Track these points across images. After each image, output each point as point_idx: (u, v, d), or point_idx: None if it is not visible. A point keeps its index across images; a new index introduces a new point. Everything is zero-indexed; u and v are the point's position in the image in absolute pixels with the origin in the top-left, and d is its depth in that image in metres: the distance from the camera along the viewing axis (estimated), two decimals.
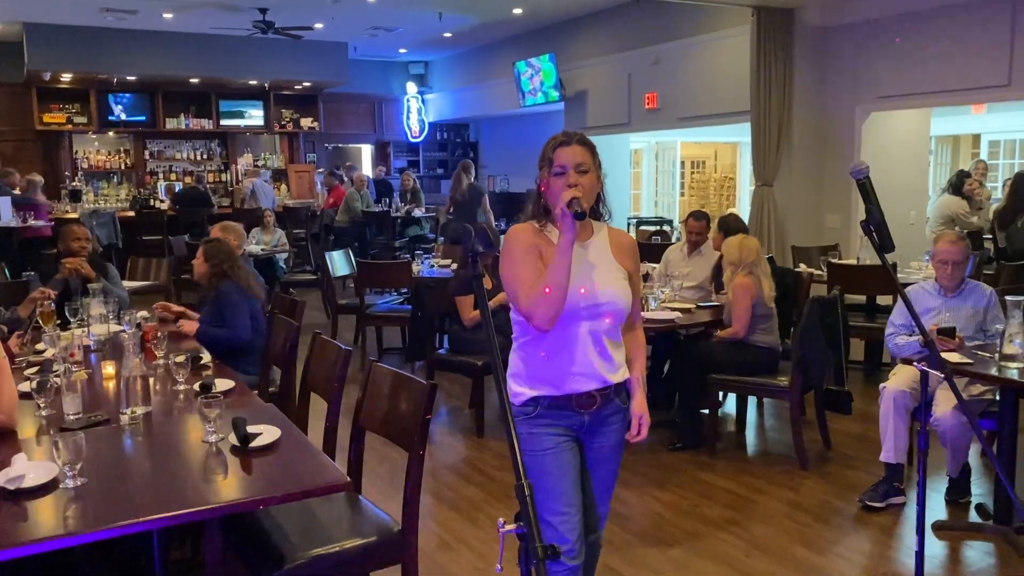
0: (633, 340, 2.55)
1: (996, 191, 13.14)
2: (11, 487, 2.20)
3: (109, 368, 3.47)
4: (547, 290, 2.21)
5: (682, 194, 15.29)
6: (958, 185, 8.30)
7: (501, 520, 1.30)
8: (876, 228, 2.15)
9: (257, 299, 4.45)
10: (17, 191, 10.69)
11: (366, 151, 16.54)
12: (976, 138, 13.81)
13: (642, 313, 4.68)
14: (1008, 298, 3.58)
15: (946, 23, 7.08)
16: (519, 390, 2.41)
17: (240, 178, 13.98)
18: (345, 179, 12.76)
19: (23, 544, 1.96)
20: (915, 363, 2.59)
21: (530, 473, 2.30)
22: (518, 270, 2.32)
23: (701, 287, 5.45)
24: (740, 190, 14.76)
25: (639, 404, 2.48)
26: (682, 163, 15.21)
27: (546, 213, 2.39)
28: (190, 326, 4.29)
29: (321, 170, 15.21)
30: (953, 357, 3.61)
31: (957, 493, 4.01)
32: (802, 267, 6.61)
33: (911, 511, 3.92)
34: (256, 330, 4.35)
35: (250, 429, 2.55)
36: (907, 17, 7.34)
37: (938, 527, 3.72)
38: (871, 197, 2.18)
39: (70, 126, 13.09)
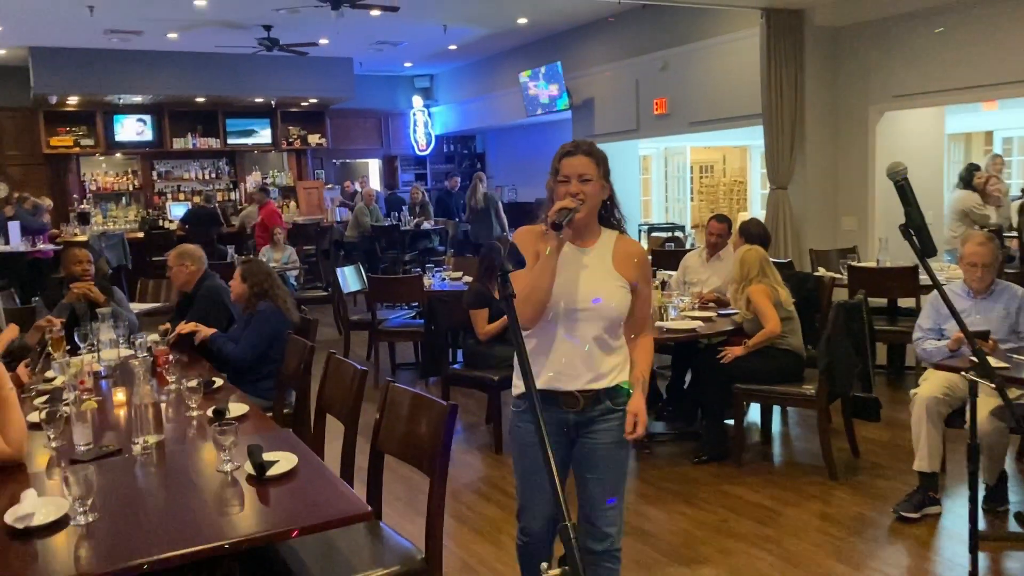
0: (639, 346, 2.62)
1: (1012, 187, 12.97)
2: (20, 526, 2.12)
3: (120, 395, 3.40)
4: (527, 297, 2.33)
5: (692, 199, 15.18)
6: (968, 179, 8.09)
7: (544, 566, 1.20)
8: (917, 232, 2.05)
9: (292, 322, 4.37)
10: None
11: (374, 166, 16.51)
12: (988, 135, 13.66)
13: (663, 323, 4.64)
14: None
15: (959, 19, 6.97)
16: (517, 382, 2.57)
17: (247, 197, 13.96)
18: (271, 193, 12.33)
19: None
20: (962, 373, 2.48)
21: (514, 462, 2.64)
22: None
23: (720, 291, 5.34)
24: (751, 194, 14.64)
25: (635, 402, 2.52)
26: (691, 168, 15.11)
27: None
28: (204, 329, 4.29)
29: (330, 186, 15.18)
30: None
31: (995, 501, 3.88)
32: (821, 271, 6.49)
33: (948, 521, 3.79)
34: (279, 354, 4.26)
35: (266, 456, 2.46)
36: (918, 14, 7.24)
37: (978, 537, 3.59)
38: (910, 199, 2.08)
39: (77, 149, 13.10)
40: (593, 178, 2.43)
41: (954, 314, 2.15)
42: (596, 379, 2.49)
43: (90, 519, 2.16)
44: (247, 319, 4.31)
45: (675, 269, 5.98)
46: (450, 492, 4.47)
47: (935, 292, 4.18)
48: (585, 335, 2.46)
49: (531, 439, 2.50)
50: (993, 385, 2.10)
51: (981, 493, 3.90)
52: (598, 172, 2.44)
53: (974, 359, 3.49)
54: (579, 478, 2.60)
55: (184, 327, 4.38)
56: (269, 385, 4.16)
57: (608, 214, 2.55)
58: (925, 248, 2.05)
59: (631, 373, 2.56)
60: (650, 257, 8.59)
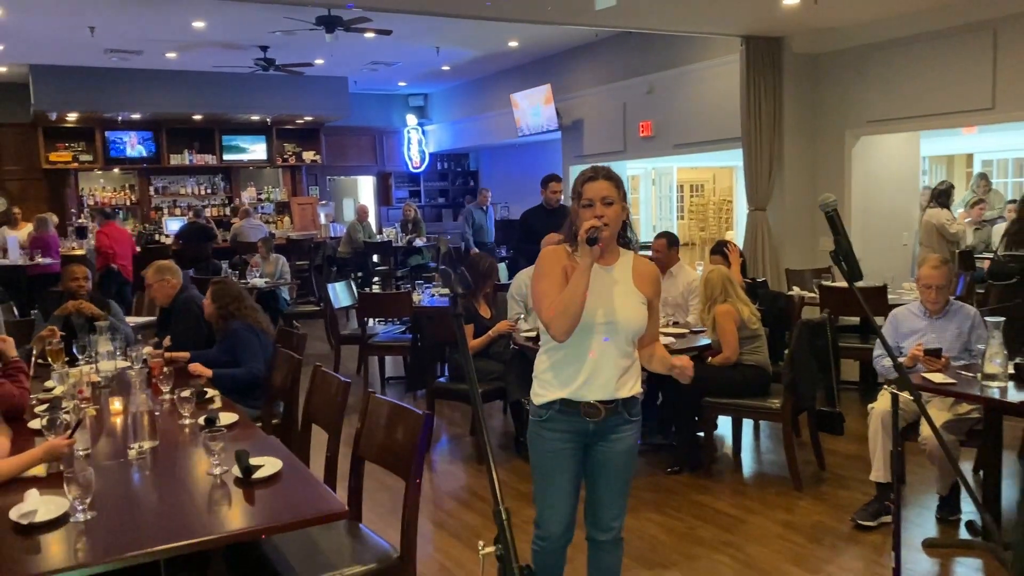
0: (657, 347, 2.83)
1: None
2: (24, 522, 2.30)
3: (117, 404, 3.58)
4: (564, 310, 2.51)
5: (681, 217, 15.43)
6: (940, 197, 8.19)
7: (480, 543, 1.41)
8: (844, 258, 2.26)
9: (268, 335, 4.56)
10: (28, 228, 10.92)
11: (368, 182, 16.75)
12: (969, 157, 13.95)
13: None
14: (988, 319, 3.68)
15: (930, 49, 7.24)
16: (540, 391, 2.72)
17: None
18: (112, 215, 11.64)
19: None
20: (885, 386, 2.69)
21: (534, 469, 2.76)
22: (544, 286, 2.65)
23: (676, 305, 5.57)
24: (737, 213, 14.90)
25: (678, 358, 2.74)
26: (680, 187, 15.38)
27: (576, 238, 2.60)
28: (202, 369, 4.28)
29: (324, 202, 15.40)
30: (938, 377, 3.71)
31: (947, 511, 4.08)
32: (795, 290, 6.71)
33: (903, 529, 3.98)
34: (267, 365, 4.45)
35: (253, 461, 2.65)
36: (892, 44, 7.51)
37: (929, 544, 3.80)
38: (839, 229, 2.29)
39: (76, 164, 13.32)
40: (615, 200, 2.60)
41: (881, 339, 2.35)
42: (617, 390, 2.66)
43: (88, 516, 2.34)
44: (223, 339, 4.46)
45: None
46: (432, 499, 4.68)
47: (896, 310, 4.42)
48: (614, 348, 2.63)
49: (554, 447, 2.68)
50: (911, 397, 2.30)
51: (935, 502, 4.13)
52: (618, 195, 2.62)
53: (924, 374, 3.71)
54: (591, 480, 2.78)
55: (191, 365, 4.44)
56: (259, 397, 4.34)
57: (623, 235, 2.72)
58: (852, 273, 2.26)
59: (656, 356, 2.79)
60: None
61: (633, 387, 2.71)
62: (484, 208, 11.66)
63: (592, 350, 2.63)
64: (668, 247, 5.71)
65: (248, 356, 4.36)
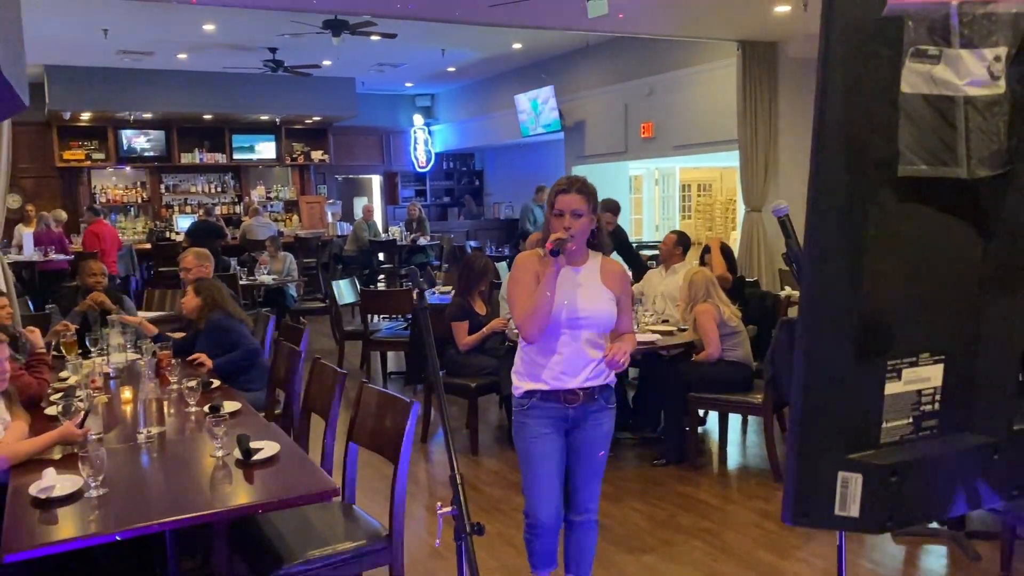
0: (623, 337, 2.99)
1: None
2: (42, 496, 2.52)
3: (127, 393, 3.80)
4: (532, 315, 2.76)
5: (686, 217, 15.56)
6: None
7: (439, 504, 1.61)
8: (795, 261, 2.44)
9: (243, 322, 4.77)
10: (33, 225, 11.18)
11: (375, 182, 16.97)
12: None
13: None
14: None
15: None
16: (519, 384, 2.95)
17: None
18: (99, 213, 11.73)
19: (52, 544, 2.27)
20: None
21: (521, 458, 2.98)
22: (517, 291, 2.89)
23: (671, 298, 5.80)
24: (741, 213, 15.03)
25: (618, 342, 2.89)
26: (686, 186, 15.50)
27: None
28: (205, 358, 4.49)
29: (332, 201, 15.63)
30: None
31: None
32: (787, 290, 6.88)
33: None
34: (252, 352, 4.65)
35: (252, 445, 2.86)
36: None
37: (897, 532, 3.98)
38: (791, 233, 2.48)
39: (89, 162, 13.59)
40: (585, 213, 2.82)
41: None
42: (593, 377, 2.89)
43: (101, 492, 2.56)
44: (207, 332, 4.61)
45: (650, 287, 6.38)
46: (427, 487, 4.89)
47: None
48: (584, 339, 2.85)
49: (537, 431, 2.90)
50: None
51: None
52: (588, 208, 2.83)
53: None
54: (568, 465, 3.00)
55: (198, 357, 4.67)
56: (254, 378, 4.55)
57: (595, 240, 2.95)
58: (801, 276, 2.44)
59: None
60: (631, 273, 9.03)
61: (607, 376, 2.93)
62: (542, 206, 11.86)
63: (567, 343, 2.85)
64: (674, 244, 5.95)
65: (237, 338, 4.57)
